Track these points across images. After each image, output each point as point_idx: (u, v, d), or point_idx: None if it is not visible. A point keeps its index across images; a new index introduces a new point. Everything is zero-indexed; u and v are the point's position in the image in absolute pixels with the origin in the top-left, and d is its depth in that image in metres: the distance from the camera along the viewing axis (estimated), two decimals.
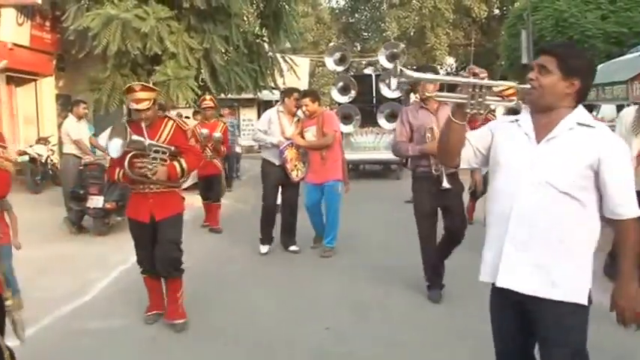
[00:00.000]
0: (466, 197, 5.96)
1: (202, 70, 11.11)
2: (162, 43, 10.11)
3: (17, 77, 12.45)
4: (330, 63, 14.02)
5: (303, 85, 16.57)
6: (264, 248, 6.29)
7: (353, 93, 13.18)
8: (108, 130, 4.84)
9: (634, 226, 2.06)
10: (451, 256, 4.79)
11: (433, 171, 4.50)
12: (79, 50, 10.68)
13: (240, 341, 3.98)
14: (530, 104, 2.20)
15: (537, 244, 2.11)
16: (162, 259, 4.12)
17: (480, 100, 2.13)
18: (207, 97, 8.28)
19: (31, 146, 11.37)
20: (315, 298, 4.88)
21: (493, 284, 2.23)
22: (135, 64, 10.68)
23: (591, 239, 2.14)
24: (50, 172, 11.40)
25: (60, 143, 9.50)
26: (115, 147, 3.96)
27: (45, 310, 4.59)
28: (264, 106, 20.06)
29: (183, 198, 4.37)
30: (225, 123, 8.17)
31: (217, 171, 7.79)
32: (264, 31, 13.03)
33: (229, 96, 12.68)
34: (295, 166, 6.20)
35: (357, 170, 14.44)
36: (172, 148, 4.08)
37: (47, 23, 12.47)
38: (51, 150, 11.62)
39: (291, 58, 13.46)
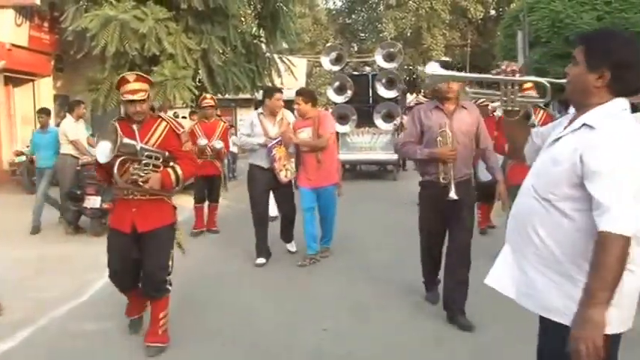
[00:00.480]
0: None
1: (200, 71, 11.14)
2: (160, 44, 10.13)
3: (15, 77, 12.49)
4: (326, 63, 13.98)
5: (300, 85, 16.57)
6: (260, 260, 5.96)
7: (349, 93, 13.10)
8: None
9: (615, 243, 1.73)
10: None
11: (441, 179, 4.06)
12: (78, 51, 10.72)
13: (237, 342, 3.98)
14: (569, 101, 2.06)
15: (521, 250, 2.02)
16: (145, 282, 3.82)
17: (512, 97, 2.08)
18: (208, 95, 8.23)
19: (28, 146, 11.36)
20: (312, 299, 4.88)
21: None
22: (133, 64, 10.68)
23: (575, 255, 1.87)
24: None
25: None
26: (104, 151, 3.56)
27: (41, 310, 4.61)
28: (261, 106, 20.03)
29: (175, 207, 3.95)
30: (225, 123, 8.08)
31: (217, 172, 7.70)
32: (261, 31, 13.07)
33: (227, 96, 12.71)
34: (284, 165, 5.91)
35: (354, 171, 14.44)
36: (166, 153, 3.72)
37: (46, 24, 12.52)
38: None
39: (288, 59, 13.48)
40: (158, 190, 3.66)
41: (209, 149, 7.48)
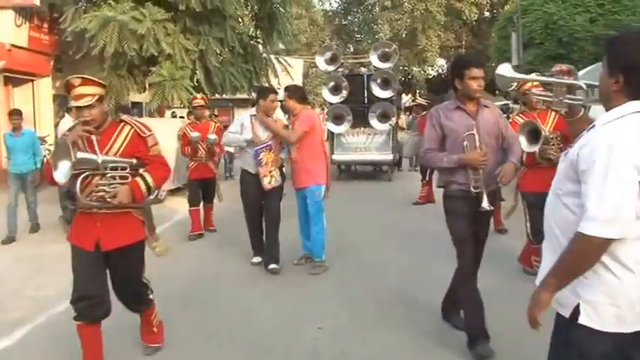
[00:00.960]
0: None
1: (197, 71, 11.22)
2: (158, 45, 10.23)
3: (15, 78, 12.55)
4: (320, 62, 13.92)
5: None
6: (256, 259, 6.00)
7: (344, 93, 12.90)
8: None
9: (580, 243, 1.80)
10: (447, 261, 4.26)
11: (472, 188, 3.61)
12: (77, 51, 10.81)
13: (235, 342, 4.01)
14: None
15: (546, 243, 2.07)
16: (123, 301, 3.58)
17: (560, 98, 2.11)
18: (199, 95, 8.17)
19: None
20: (309, 299, 4.90)
21: None
22: (131, 65, 10.80)
23: None
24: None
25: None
26: (63, 171, 3.07)
27: (39, 308, 4.65)
28: None
29: (143, 222, 3.52)
30: (217, 123, 7.91)
31: (212, 174, 7.56)
32: (258, 32, 13.16)
33: (224, 96, 12.80)
34: (270, 172, 5.64)
35: (349, 171, 14.46)
36: (133, 161, 3.34)
37: (45, 25, 12.58)
38: (47, 150, 11.66)
39: (285, 59, 13.58)
40: (129, 203, 3.29)
41: (203, 149, 7.32)
